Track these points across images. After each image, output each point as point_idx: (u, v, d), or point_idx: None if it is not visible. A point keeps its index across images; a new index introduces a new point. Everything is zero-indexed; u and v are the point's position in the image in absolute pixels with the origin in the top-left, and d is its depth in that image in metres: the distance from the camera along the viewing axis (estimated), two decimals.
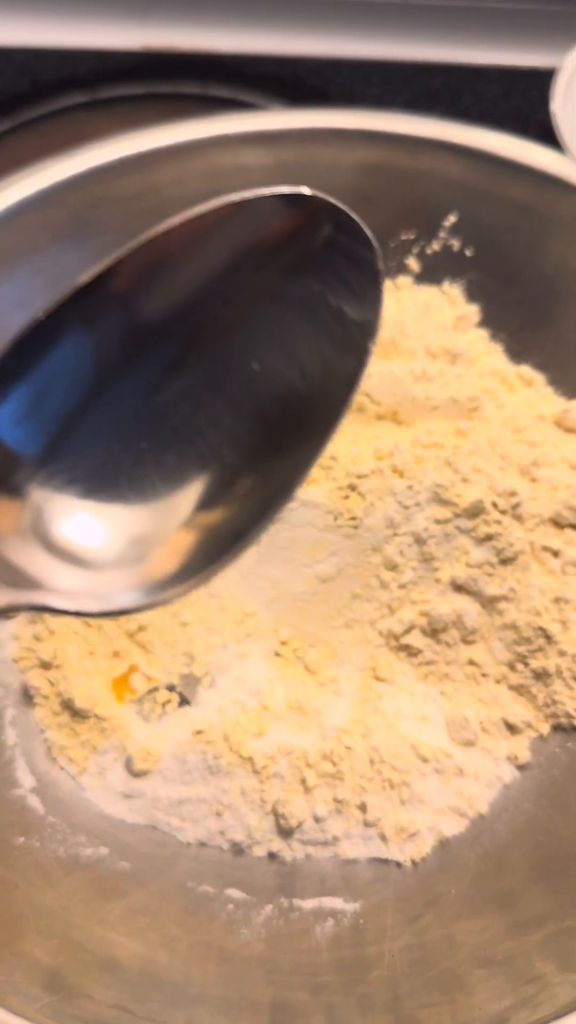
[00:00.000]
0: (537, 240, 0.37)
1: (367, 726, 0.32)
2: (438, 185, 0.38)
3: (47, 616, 0.34)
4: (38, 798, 0.31)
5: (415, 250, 0.40)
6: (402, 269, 0.40)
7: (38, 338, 0.20)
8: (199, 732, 0.32)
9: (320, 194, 0.20)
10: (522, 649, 0.33)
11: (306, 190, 0.20)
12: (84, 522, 0.21)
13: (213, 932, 0.29)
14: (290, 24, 0.54)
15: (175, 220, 0.20)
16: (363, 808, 0.31)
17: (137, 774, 0.32)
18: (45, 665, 0.33)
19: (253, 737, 0.32)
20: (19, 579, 0.20)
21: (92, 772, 0.32)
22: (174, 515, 0.22)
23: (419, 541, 0.33)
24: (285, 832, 0.31)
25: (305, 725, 0.33)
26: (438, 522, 0.33)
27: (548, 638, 0.33)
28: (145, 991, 0.27)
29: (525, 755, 0.32)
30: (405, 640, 0.34)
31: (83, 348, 0.20)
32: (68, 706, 0.33)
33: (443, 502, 0.33)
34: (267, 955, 0.28)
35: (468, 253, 0.39)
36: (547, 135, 0.46)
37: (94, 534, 0.21)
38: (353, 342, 0.20)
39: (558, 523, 0.34)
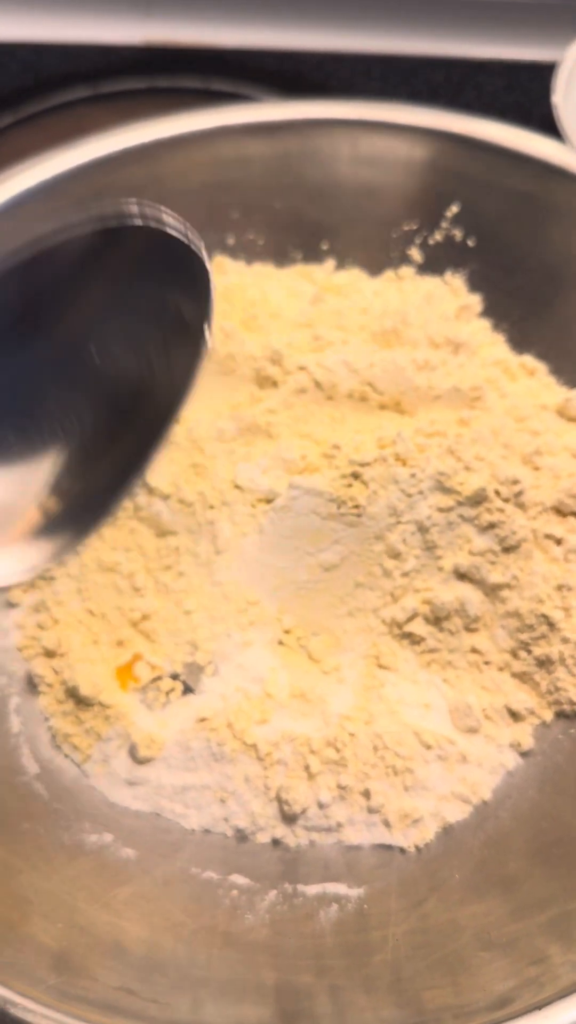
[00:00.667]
0: (538, 230, 0.38)
1: (370, 713, 0.32)
2: (440, 175, 0.39)
3: (51, 605, 0.34)
4: (43, 785, 0.31)
5: (417, 240, 0.40)
6: (405, 259, 0.40)
7: None
8: (203, 719, 0.32)
9: (151, 208, 0.23)
10: (525, 636, 0.33)
11: (132, 220, 0.23)
12: None
13: (218, 917, 0.29)
14: (291, 19, 0.54)
15: (34, 247, 0.23)
16: (367, 794, 0.31)
17: (141, 761, 0.32)
18: (49, 653, 0.33)
19: (257, 724, 0.32)
20: None
21: (96, 759, 0.32)
22: (34, 484, 0.24)
23: (422, 529, 0.34)
24: (289, 818, 0.31)
25: (308, 712, 0.33)
26: (441, 510, 0.33)
27: (551, 625, 0.33)
28: (149, 974, 0.27)
29: (528, 742, 0.32)
30: (408, 628, 0.34)
31: None
32: (72, 694, 0.33)
33: (446, 490, 0.33)
34: (271, 940, 0.29)
35: (470, 243, 0.39)
36: (548, 128, 0.46)
37: None
38: (190, 336, 0.23)
39: (560, 511, 0.34)
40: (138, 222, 0.23)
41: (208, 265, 0.23)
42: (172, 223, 0.23)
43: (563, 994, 0.26)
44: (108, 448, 0.24)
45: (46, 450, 0.24)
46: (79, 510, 0.24)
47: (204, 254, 0.23)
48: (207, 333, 0.22)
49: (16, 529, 0.24)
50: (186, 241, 0.23)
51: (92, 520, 0.24)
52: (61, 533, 0.24)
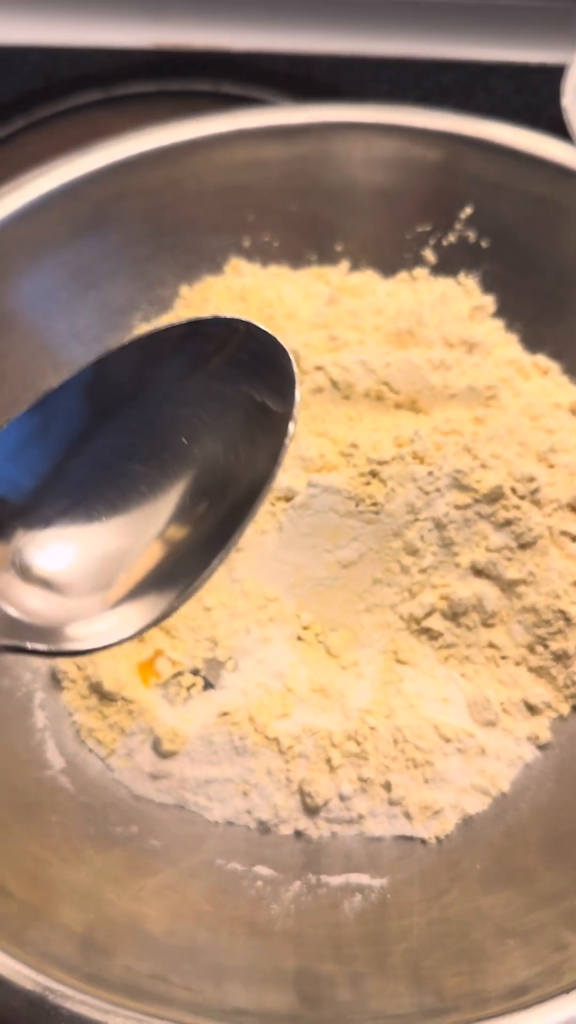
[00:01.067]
0: (552, 231, 0.38)
1: (390, 707, 0.33)
2: (454, 178, 0.39)
3: None
4: (68, 779, 0.32)
5: (431, 242, 0.40)
6: (419, 261, 0.41)
7: (40, 408, 0.27)
8: (224, 714, 0.33)
9: (247, 320, 0.26)
10: (541, 631, 0.34)
11: (240, 317, 0.26)
12: (58, 555, 0.26)
13: (243, 907, 0.30)
14: (301, 21, 0.55)
15: (137, 336, 0.27)
16: (387, 787, 0.32)
17: (165, 755, 0.32)
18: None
19: (278, 718, 0.33)
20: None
21: (120, 754, 0.33)
22: (131, 559, 0.26)
23: (439, 526, 0.34)
24: (311, 810, 0.32)
25: (328, 707, 0.33)
26: (458, 507, 0.34)
27: (567, 620, 0.33)
28: (177, 961, 0.27)
29: (546, 735, 0.33)
30: (426, 624, 0.34)
31: (69, 418, 0.27)
32: (96, 689, 0.33)
33: (463, 488, 0.34)
34: (296, 929, 0.29)
35: (484, 244, 0.39)
36: (558, 130, 0.46)
37: (67, 565, 0.26)
38: (276, 428, 0.25)
39: None
40: (233, 319, 0.26)
41: (295, 369, 0.25)
42: (264, 327, 0.26)
43: None
44: (192, 525, 0.26)
45: (133, 518, 0.27)
46: (165, 583, 0.26)
47: (291, 356, 0.25)
48: (291, 427, 0.25)
49: (105, 595, 0.26)
50: (276, 341, 0.25)
51: (177, 595, 0.25)
52: (145, 601, 0.26)
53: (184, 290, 0.41)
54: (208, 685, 0.34)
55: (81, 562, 0.26)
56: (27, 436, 0.26)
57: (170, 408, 0.26)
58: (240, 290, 0.40)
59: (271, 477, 0.25)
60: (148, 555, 0.26)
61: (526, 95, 0.52)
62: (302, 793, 0.32)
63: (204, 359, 0.26)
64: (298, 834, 0.32)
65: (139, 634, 0.25)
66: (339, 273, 0.41)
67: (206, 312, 0.39)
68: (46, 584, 0.26)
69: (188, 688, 0.34)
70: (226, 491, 0.26)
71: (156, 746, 0.33)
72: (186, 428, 0.26)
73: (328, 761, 0.32)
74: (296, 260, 0.41)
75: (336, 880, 0.30)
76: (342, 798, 0.31)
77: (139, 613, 0.26)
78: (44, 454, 0.26)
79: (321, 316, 0.39)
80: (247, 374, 0.26)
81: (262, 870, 0.31)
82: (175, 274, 0.41)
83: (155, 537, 0.26)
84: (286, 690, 0.34)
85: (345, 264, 0.41)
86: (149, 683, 0.34)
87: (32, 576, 0.26)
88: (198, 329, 0.26)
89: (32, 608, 0.25)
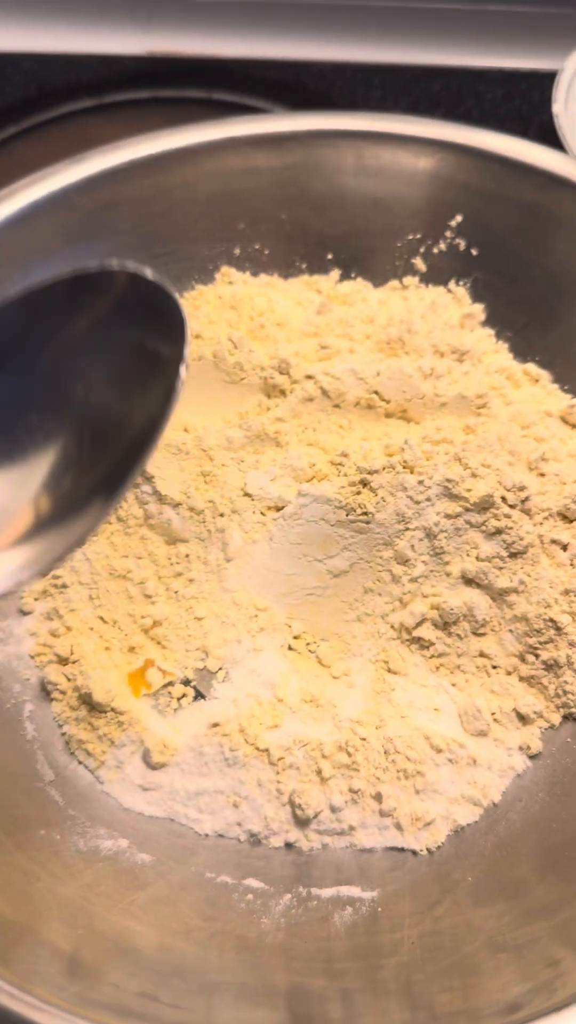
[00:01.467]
0: (542, 240, 0.38)
1: (381, 717, 0.33)
2: (444, 186, 0.39)
3: (64, 612, 0.35)
4: (58, 791, 0.32)
5: (421, 250, 0.40)
6: (409, 269, 0.41)
7: None
8: (215, 725, 0.33)
9: (134, 267, 0.26)
10: (532, 641, 0.33)
11: (126, 265, 0.26)
12: None
13: (233, 921, 0.29)
14: (293, 29, 0.55)
15: (24, 288, 0.26)
16: (378, 798, 0.31)
17: (154, 767, 0.32)
18: (62, 660, 0.34)
19: (268, 729, 0.32)
20: None
21: (110, 766, 0.32)
22: (18, 497, 0.26)
23: (430, 535, 0.34)
24: (302, 822, 0.31)
25: (319, 717, 0.33)
26: (448, 516, 0.34)
27: (558, 629, 0.33)
28: (168, 979, 0.27)
29: (537, 745, 0.33)
30: (417, 633, 0.34)
31: None
32: (85, 700, 0.33)
33: (453, 497, 0.34)
34: (286, 943, 0.29)
35: (474, 252, 0.39)
36: (548, 136, 0.46)
37: None
38: (167, 372, 0.25)
39: (566, 516, 0.35)
40: (119, 269, 0.26)
41: (184, 313, 0.25)
42: (151, 273, 0.26)
43: (575, 999, 0.26)
44: (88, 470, 0.26)
45: (30, 467, 0.27)
46: (60, 525, 0.26)
47: (180, 302, 0.25)
48: (182, 372, 0.25)
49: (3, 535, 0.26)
50: (164, 288, 0.26)
51: (72, 538, 0.26)
52: (41, 544, 0.26)
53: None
54: (199, 695, 0.34)
55: None
56: None
57: (62, 358, 0.26)
58: (231, 298, 0.40)
59: (163, 420, 0.25)
60: (43, 501, 0.26)
61: (516, 101, 0.52)
62: (293, 805, 0.31)
63: (92, 308, 0.26)
64: (289, 846, 0.31)
65: (30, 581, 0.25)
66: (329, 282, 0.41)
67: (197, 320, 0.39)
68: None
69: (179, 698, 0.34)
70: (120, 437, 0.26)
71: (146, 757, 0.32)
72: (79, 378, 0.26)
73: (319, 772, 0.32)
74: (287, 269, 0.41)
75: (327, 893, 0.30)
76: (333, 809, 0.31)
77: (32, 558, 0.25)
78: None
79: (312, 324, 0.39)
80: (137, 321, 0.26)
81: (252, 883, 0.30)
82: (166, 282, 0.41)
83: (51, 485, 0.26)
84: (277, 700, 0.33)
85: (336, 273, 0.41)
86: (139, 693, 0.34)
87: None
88: (84, 280, 0.26)
89: None
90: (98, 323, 0.26)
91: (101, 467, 0.26)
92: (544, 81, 0.49)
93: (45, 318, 0.26)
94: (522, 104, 0.52)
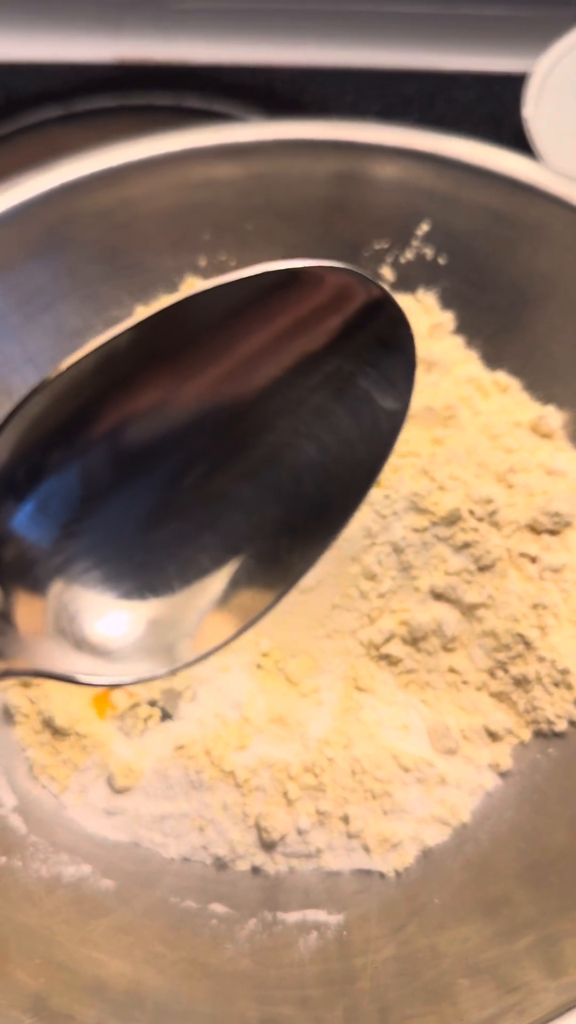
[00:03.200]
0: (509, 246, 0.38)
1: (349, 736, 0.32)
2: (409, 194, 0.39)
3: None
4: (20, 817, 0.31)
5: (389, 259, 0.40)
6: (377, 278, 0.40)
7: (50, 418, 0.19)
8: (181, 747, 0.32)
9: (363, 273, 0.19)
10: (502, 656, 0.33)
11: (351, 267, 0.19)
12: (106, 613, 0.21)
13: (197, 948, 0.29)
14: (262, 34, 0.54)
15: (202, 286, 0.19)
16: (346, 819, 0.31)
17: (119, 791, 0.32)
18: (25, 683, 0.33)
19: (235, 751, 0.32)
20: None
21: (74, 790, 0.32)
22: (192, 604, 0.22)
23: (397, 550, 0.33)
24: (268, 845, 0.31)
25: (287, 737, 0.33)
26: (416, 531, 0.33)
27: (527, 644, 0.33)
28: (130, 1010, 0.27)
29: (507, 762, 0.32)
30: (385, 649, 0.34)
31: (95, 427, 0.20)
32: (49, 724, 0.32)
33: (420, 511, 0.33)
34: (252, 970, 0.28)
35: (441, 261, 0.39)
36: (521, 139, 0.46)
37: (117, 625, 0.22)
38: (378, 429, 0.20)
39: (535, 529, 0.34)
40: (358, 272, 0.19)
41: (415, 354, 0.19)
42: (385, 287, 0.19)
43: (545, 1020, 0.25)
44: (271, 551, 0.22)
45: (207, 562, 0.22)
46: (239, 618, 0.23)
47: (413, 337, 0.19)
48: (399, 431, 0.19)
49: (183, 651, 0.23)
50: (405, 315, 0.18)
51: (236, 631, 0.23)
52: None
53: (140, 310, 0.40)
54: (166, 716, 0.34)
55: (134, 623, 0.21)
56: (46, 491, 0.19)
57: (233, 397, 0.19)
58: None
59: (364, 494, 0.20)
60: (207, 612, 0.22)
61: (489, 104, 0.52)
62: (259, 828, 0.31)
63: (289, 326, 0.19)
64: (255, 870, 0.31)
65: (198, 661, 0.22)
66: None
67: None
68: (95, 650, 0.21)
69: (145, 720, 0.34)
70: (310, 509, 0.21)
71: (111, 782, 0.32)
72: (261, 423, 0.20)
73: (285, 794, 0.31)
74: None
75: (292, 917, 0.30)
76: (300, 832, 0.31)
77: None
78: (73, 492, 0.20)
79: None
80: (353, 350, 0.19)
81: (217, 908, 0.30)
82: (131, 294, 0.40)
83: (217, 586, 0.22)
84: (243, 720, 0.33)
85: None
86: (105, 715, 0.34)
87: (79, 641, 0.21)
88: (282, 280, 0.18)
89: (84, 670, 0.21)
90: (303, 353, 0.19)
91: (297, 541, 0.22)
92: (517, 83, 0.48)
93: (228, 338, 0.19)
94: (495, 107, 0.52)
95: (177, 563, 0.22)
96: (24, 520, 0.20)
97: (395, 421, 0.20)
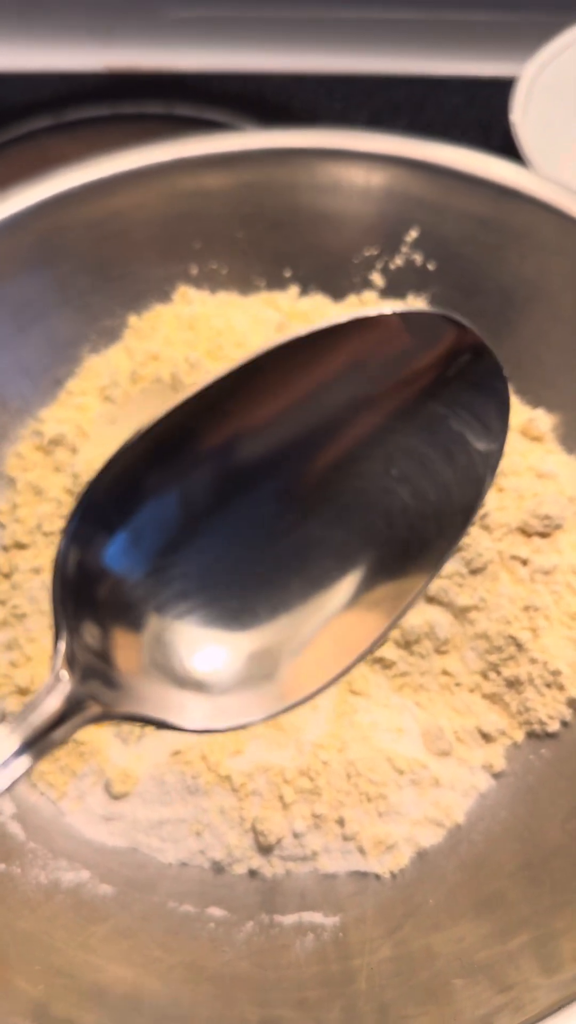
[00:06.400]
0: (496, 252, 0.38)
1: (343, 740, 0.32)
2: (398, 201, 0.39)
3: (23, 642, 0.34)
4: (19, 824, 0.31)
5: (379, 265, 0.40)
6: (367, 284, 0.40)
7: (145, 457, 0.20)
8: (177, 753, 0.32)
9: (461, 319, 0.19)
10: (494, 658, 0.33)
11: (452, 315, 0.20)
12: (204, 648, 0.21)
13: (195, 952, 0.29)
14: (252, 42, 0.55)
15: (299, 332, 0.20)
16: (341, 822, 0.31)
17: (116, 797, 0.32)
18: (23, 691, 0.34)
19: (231, 756, 0.32)
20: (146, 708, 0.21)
21: (72, 796, 0.32)
22: (288, 640, 0.22)
23: None
24: (264, 849, 0.31)
25: (282, 741, 0.33)
26: None
27: (519, 646, 0.33)
28: (129, 1015, 0.27)
29: (500, 763, 0.33)
30: (379, 653, 0.34)
31: (186, 471, 0.20)
32: None
33: None
34: (250, 972, 0.29)
35: (430, 267, 0.39)
36: (510, 143, 0.46)
37: (215, 660, 0.22)
38: (473, 471, 0.20)
39: (525, 532, 0.34)
40: (456, 319, 0.19)
41: (508, 396, 0.19)
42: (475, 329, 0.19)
43: (541, 1016, 0.26)
44: (365, 595, 0.22)
45: (300, 599, 0.22)
46: (332, 663, 0.22)
47: (507, 380, 0.19)
48: (494, 473, 0.20)
49: (283, 686, 0.22)
50: (497, 359, 0.19)
51: (342, 674, 0.22)
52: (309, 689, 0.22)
53: (133, 320, 0.41)
54: None
55: (231, 658, 0.21)
56: (138, 528, 0.20)
57: (328, 439, 0.20)
58: (189, 318, 0.40)
59: (459, 537, 0.20)
60: (309, 639, 0.21)
61: (477, 109, 0.52)
62: (255, 831, 0.31)
63: (386, 369, 0.19)
64: (252, 873, 0.31)
65: (296, 706, 0.21)
66: (289, 298, 0.41)
67: (155, 341, 0.39)
68: (194, 686, 0.21)
69: (141, 726, 0.34)
70: (404, 551, 0.21)
71: (108, 788, 0.32)
72: (355, 465, 0.20)
73: (281, 798, 0.31)
74: (245, 287, 0.41)
75: (289, 919, 0.30)
76: (295, 835, 0.31)
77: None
78: (166, 529, 0.20)
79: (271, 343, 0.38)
80: (447, 394, 0.19)
81: (215, 911, 0.30)
82: (123, 304, 0.40)
83: (320, 622, 0.21)
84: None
85: (294, 289, 0.41)
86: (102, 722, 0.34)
87: (177, 677, 0.21)
88: (380, 326, 0.18)
89: (185, 715, 0.21)
90: (402, 391, 0.20)
91: (391, 585, 0.21)
92: (505, 88, 0.49)
93: (327, 382, 0.19)
94: (483, 111, 0.52)
95: (269, 605, 0.22)
96: (117, 554, 0.20)
97: (490, 462, 0.20)
